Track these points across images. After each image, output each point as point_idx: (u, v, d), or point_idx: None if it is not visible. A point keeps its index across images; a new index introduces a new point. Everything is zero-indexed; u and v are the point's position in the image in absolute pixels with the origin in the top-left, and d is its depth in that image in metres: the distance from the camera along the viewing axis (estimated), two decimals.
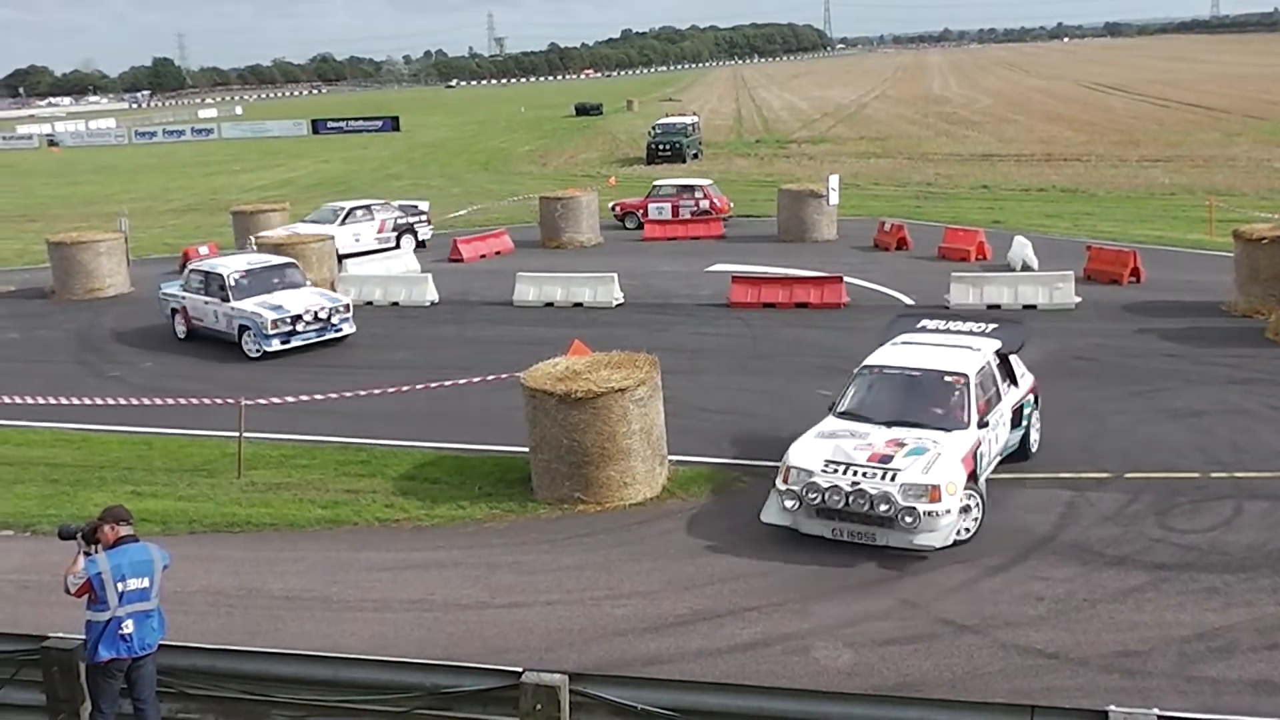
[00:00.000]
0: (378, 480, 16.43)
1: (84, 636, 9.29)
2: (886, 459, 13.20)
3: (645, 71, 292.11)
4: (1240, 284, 23.46)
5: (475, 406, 19.22)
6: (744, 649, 11.11)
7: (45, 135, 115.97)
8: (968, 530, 13.13)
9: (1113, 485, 14.82)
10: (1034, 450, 15.91)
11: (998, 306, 24.70)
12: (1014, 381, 15.58)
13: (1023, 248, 28.46)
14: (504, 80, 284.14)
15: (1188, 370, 19.82)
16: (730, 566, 13.01)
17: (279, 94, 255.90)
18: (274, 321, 23.42)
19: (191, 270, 25.83)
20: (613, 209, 40.22)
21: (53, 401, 19.13)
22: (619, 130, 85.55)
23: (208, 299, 24.73)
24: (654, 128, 64.21)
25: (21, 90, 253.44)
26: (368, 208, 36.06)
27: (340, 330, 24.44)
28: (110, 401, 19.14)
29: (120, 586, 9.13)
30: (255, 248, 29.56)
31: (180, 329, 25.69)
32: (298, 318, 23.77)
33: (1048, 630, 11.19)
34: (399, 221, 36.28)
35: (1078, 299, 24.74)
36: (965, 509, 13.05)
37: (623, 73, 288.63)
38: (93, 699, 9.34)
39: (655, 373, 15.47)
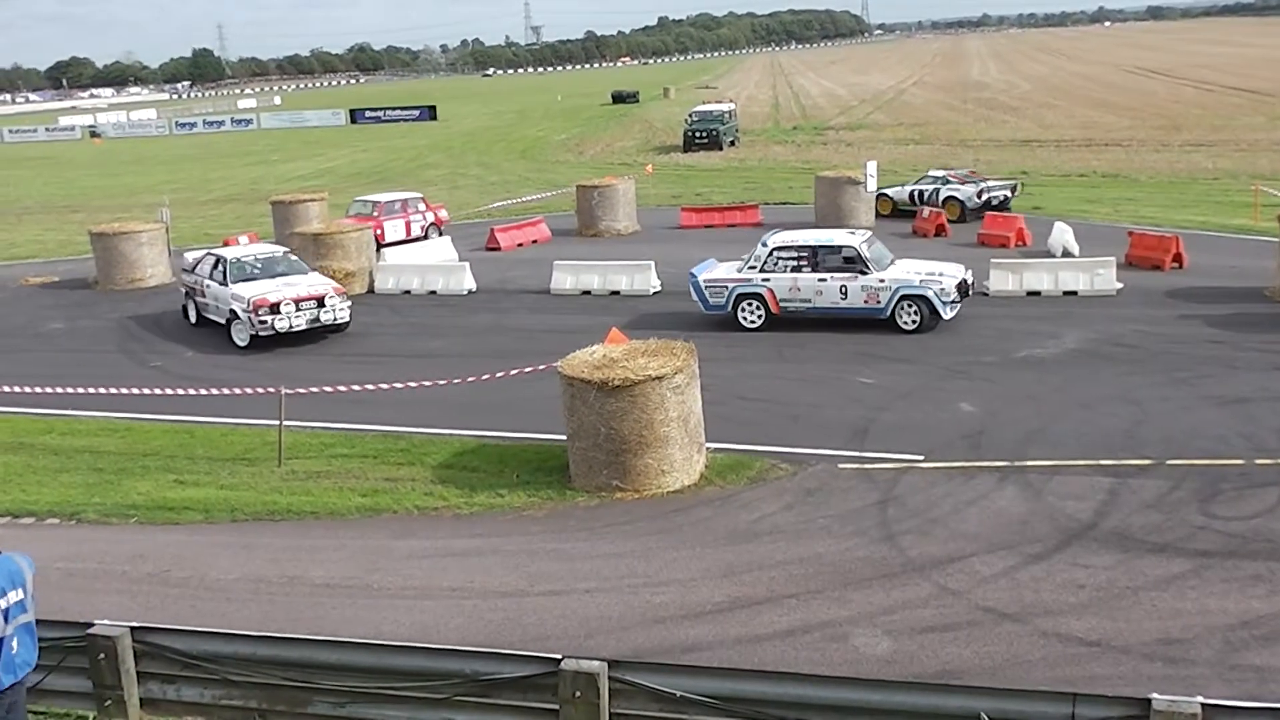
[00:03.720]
0: (417, 469, 16.51)
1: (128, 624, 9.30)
2: None
3: (682, 59, 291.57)
4: None
5: (513, 395, 19.27)
6: (783, 636, 11.09)
7: (87, 126, 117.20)
8: None
9: (1155, 472, 14.68)
10: None
11: (1038, 293, 24.55)
12: None
13: (1063, 233, 28.23)
14: (541, 69, 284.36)
15: (1231, 356, 19.61)
16: (768, 554, 12.99)
17: (317, 84, 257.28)
18: (955, 287, 22.06)
19: (779, 249, 22.82)
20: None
21: (97, 391, 19.33)
22: (656, 118, 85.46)
23: (827, 275, 22.38)
24: (690, 115, 64.06)
25: (64, 82, 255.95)
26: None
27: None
28: (153, 391, 19.33)
29: (4, 602, 7.90)
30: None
31: (754, 317, 22.91)
32: (959, 284, 22.31)
33: (1089, 618, 11.10)
34: None
35: (1119, 285, 24.52)
36: None
37: (659, 60, 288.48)
38: None
39: (693, 360, 15.45)
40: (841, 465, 15.61)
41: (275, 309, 23.64)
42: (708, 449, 15.87)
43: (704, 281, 23.33)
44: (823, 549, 13.03)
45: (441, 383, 19.10)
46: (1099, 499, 13.93)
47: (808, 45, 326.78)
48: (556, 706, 8.72)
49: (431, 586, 12.70)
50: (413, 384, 19.12)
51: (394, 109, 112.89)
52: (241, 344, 23.89)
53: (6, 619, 7.91)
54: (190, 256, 27.39)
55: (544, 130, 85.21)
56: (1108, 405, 17.35)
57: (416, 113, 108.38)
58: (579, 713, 8.63)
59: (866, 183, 34.03)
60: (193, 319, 26.33)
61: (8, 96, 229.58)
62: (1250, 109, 65.59)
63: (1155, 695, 7.83)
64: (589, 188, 36.88)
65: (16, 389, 20.22)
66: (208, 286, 25.38)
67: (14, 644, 7.98)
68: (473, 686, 8.95)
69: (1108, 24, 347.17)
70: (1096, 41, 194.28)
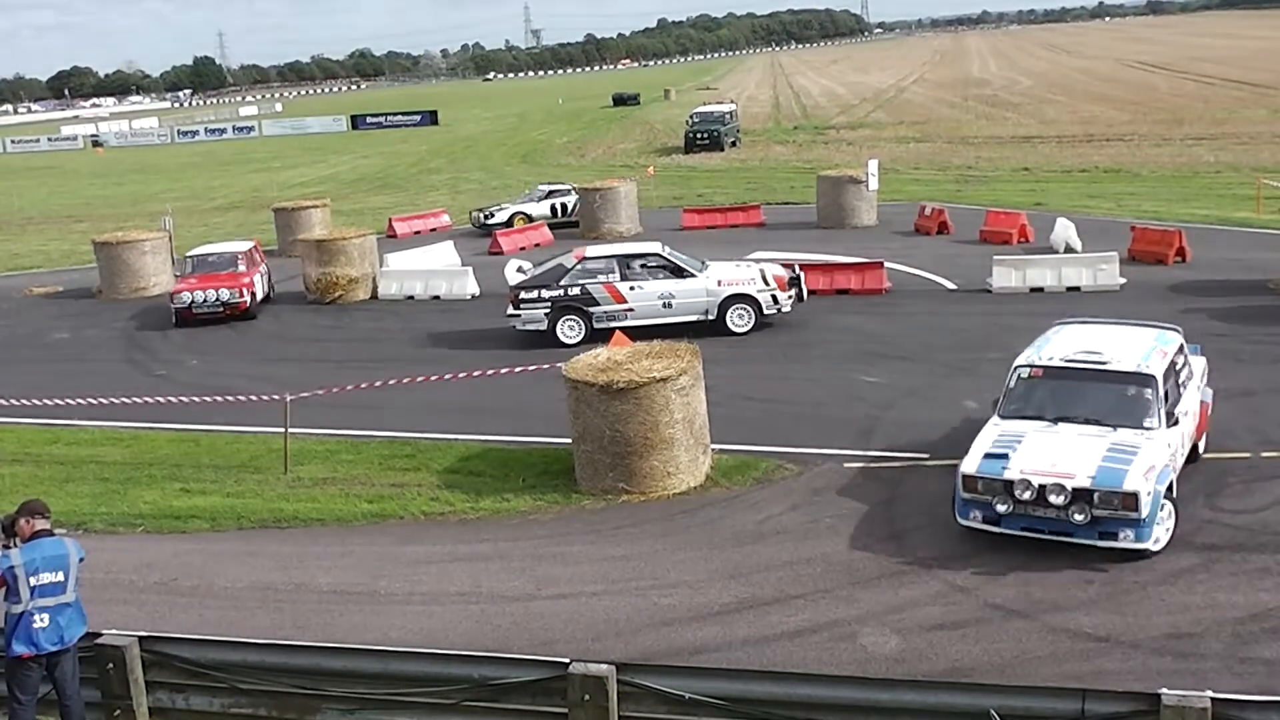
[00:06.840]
0: (423, 474, 16.51)
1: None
2: None
3: (682, 60, 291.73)
4: None
5: (518, 399, 19.27)
6: (791, 636, 11.09)
7: (89, 136, 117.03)
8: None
9: None
10: None
11: (1041, 289, 24.51)
12: None
13: (1065, 229, 28.20)
14: (541, 72, 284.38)
15: (1236, 349, 19.55)
16: (775, 554, 12.99)
17: (318, 90, 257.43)
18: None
19: None
20: (187, 306, 26.91)
21: (102, 400, 19.34)
22: (657, 120, 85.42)
23: None
24: (691, 117, 63.98)
25: (66, 92, 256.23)
26: None
27: None
28: (158, 400, 19.33)
29: (33, 580, 9.17)
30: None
31: None
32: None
33: (1098, 613, 11.10)
34: None
35: (1122, 280, 24.47)
36: None
37: (659, 62, 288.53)
38: (9, 690, 9.36)
39: (697, 362, 15.45)
40: (847, 465, 15.61)
41: (796, 281, 23.20)
42: (713, 450, 15.86)
43: None
44: (830, 549, 13.03)
45: (448, 383, 19.09)
46: None
47: (808, 45, 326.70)
48: (565, 710, 8.73)
49: (439, 592, 12.72)
50: (418, 389, 19.12)
51: (395, 114, 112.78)
52: (742, 330, 22.59)
53: (33, 595, 9.14)
54: (513, 271, 24.14)
55: (545, 133, 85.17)
56: None
57: (418, 118, 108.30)
58: (588, 716, 8.64)
59: (868, 181, 34.00)
60: (574, 337, 22.50)
61: (9, 107, 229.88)
62: (1252, 102, 65.50)
63: (1165, 690, 7.83)
64: (591, 190, 36.85)
65: (22, 400, 20.24)
66: (636, 288, 22.65)
67: (40, 619, 9.16)
68: (481, 691, 8.96)
69: (1108, 19, 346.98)
70: (1097, 37, 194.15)
